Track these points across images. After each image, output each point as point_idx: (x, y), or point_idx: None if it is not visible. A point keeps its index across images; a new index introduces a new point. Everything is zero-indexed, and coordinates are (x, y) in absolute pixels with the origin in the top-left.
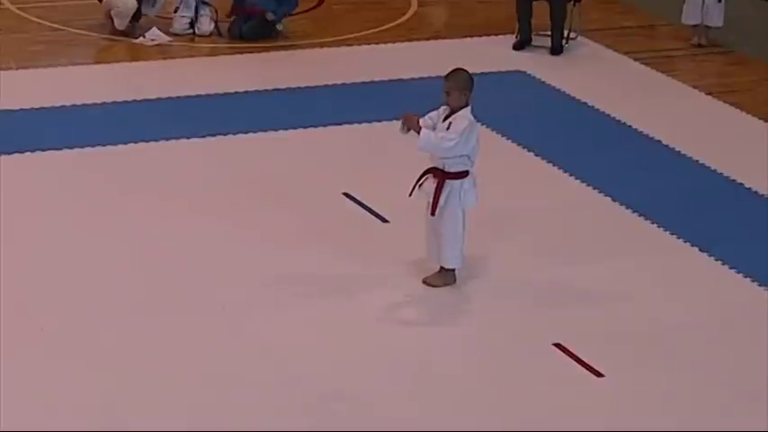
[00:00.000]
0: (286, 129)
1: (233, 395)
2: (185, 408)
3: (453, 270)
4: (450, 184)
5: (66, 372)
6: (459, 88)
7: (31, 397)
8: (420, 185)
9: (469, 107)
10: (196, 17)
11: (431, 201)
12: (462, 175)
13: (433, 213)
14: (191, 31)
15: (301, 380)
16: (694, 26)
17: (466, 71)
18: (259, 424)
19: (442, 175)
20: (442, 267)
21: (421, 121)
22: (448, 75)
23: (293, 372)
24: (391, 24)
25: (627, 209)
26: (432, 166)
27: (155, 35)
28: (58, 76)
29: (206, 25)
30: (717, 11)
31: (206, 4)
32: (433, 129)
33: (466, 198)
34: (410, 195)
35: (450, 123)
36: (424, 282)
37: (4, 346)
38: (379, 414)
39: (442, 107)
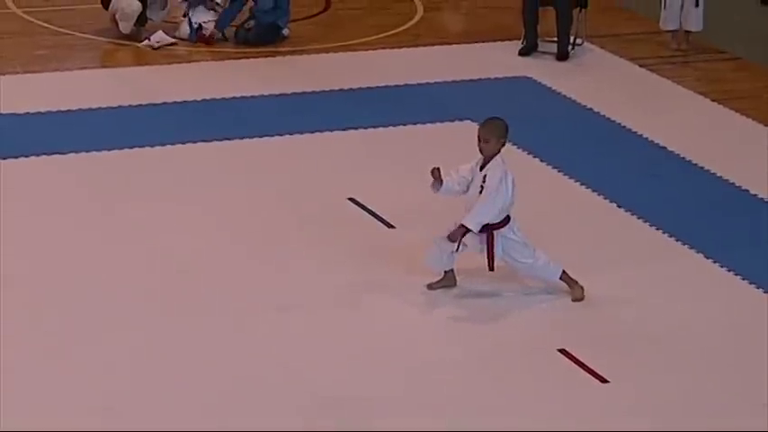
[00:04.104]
0: (291, 133)
1: (233, 397)
2: (185, 408)
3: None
4: (498, 234)
5: (66, 371)
6: (497, 136)
7: (32, 397)
8: (463, 242)
9: (500, 154)
10: (203, 22)
11: (485, 256)
12: (507, 221)
13: (491, 269)
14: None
15: (302, 384)
16: (673, 31)
17: (502, 119)
18: (258, 426)
19: (488, 229)
20: (445, 272)
21: (451, 182)
22: (485, 123)
23: (294, 376)
24: (397, 30)
25: (632, 215)
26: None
27: (160, 38)
28: (64, 80)
29: (212, 30)
30: (695, 15)
31: (213, 9)
32: (471, 181)
33: (505, 241)
34: (456, 251)
35: (486, 176)
36: (428, 287)
37: (4, 347)
38: (380, 418)
39: (475, 160)
